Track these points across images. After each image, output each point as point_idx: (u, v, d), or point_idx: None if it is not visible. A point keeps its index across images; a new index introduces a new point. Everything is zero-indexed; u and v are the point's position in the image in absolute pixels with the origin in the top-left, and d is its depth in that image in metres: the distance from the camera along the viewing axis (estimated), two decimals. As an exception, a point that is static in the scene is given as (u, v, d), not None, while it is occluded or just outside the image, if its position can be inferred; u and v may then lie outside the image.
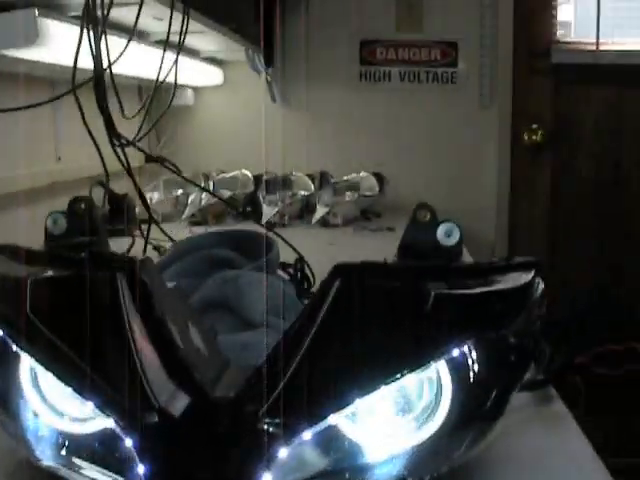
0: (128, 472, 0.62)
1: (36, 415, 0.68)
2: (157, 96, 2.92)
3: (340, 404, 0.61)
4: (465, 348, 0.65)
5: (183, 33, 1.63)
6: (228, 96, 3.01)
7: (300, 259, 1.45)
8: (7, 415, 0.69)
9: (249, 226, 1.90)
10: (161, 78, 1.63)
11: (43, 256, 0.70)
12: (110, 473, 0.63)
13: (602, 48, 2.83)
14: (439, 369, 0.65)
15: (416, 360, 0.63)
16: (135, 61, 1.65)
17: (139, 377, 0.62)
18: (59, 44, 1.39)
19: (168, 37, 1.57)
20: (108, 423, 0.63)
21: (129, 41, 1.39)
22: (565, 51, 2.86)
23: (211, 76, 2.88)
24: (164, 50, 1.59)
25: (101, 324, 0.64)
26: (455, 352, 0.64)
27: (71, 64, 1.23)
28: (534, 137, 2.90)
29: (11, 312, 0.67)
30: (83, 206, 0.73)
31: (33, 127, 1.80)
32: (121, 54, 1.30)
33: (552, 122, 2.91)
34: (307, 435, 0.60)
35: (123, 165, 1.23)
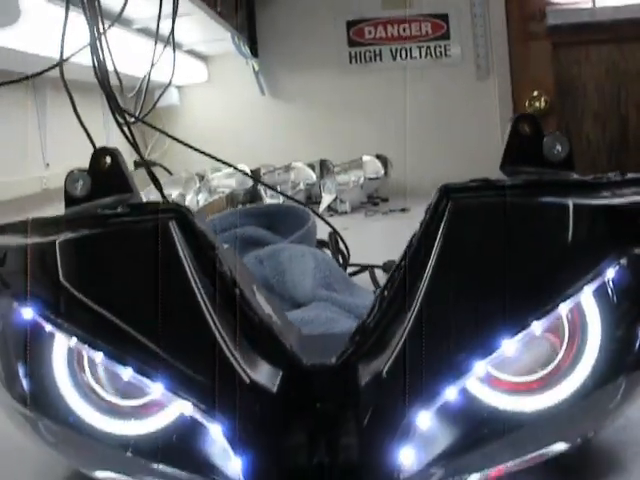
0: (215, 471, 0.48)
1: (79, 415, 0.53)
2: (139, 97, 2.79)
3: (486, 350, 0.47)
4: (616, 271, 0.51)
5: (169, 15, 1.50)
6: (214, 93, 2.86)
7: (334, 232, 1.31)
8: (44, 420, 0.54)
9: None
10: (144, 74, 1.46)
11: (74, 218, 0.56)
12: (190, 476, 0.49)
13: (598, 5, 2.72)
14: (585, 302, 0.51)
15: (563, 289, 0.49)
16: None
17: (220, 347, 0.48)
18: (42, 24, 1.25)
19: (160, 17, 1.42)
20: (182, 409, 0.49)
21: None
22: (561, 11, 2.74)
23: (195, 72, 2.74)
24: (157, 33, 1.45)
25: (158, 286, 0.50)
26: (608, 274, 0.50)
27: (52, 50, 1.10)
28: (537, 104, 2.78)
29: (40, 285, 0.53)
30: (109, 160, 0.59)
31: (19, 133, 1.65)
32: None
33: (553, 86, 2.79)
34: (450, 393, 0.46)
35: (129, 141, 1.09)
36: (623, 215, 0.54)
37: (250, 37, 2.69)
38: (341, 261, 1.29)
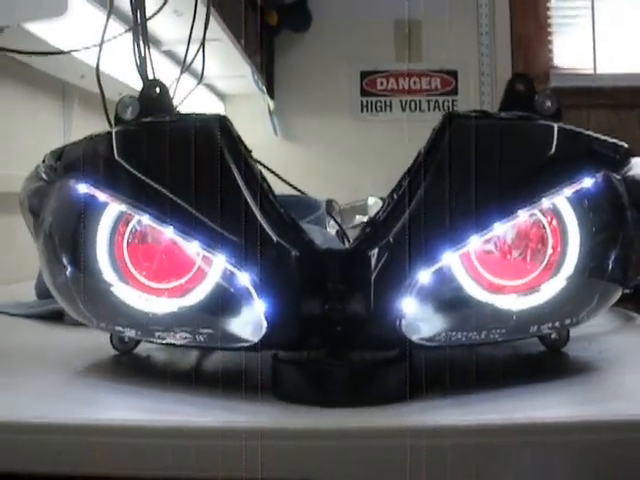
0: (241, 318, 0.55)
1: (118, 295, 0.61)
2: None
3: (480, 228, 0.55)
4: (592, 182, 0.59)
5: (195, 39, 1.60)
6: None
7: (340, 228, 1.39)
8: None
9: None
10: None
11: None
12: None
13: (599, 72, 2.86)
14: (562, 208, 0.59)
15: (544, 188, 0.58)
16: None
17: (251, 212, 0.56)
18: (86, 21, 1.35)
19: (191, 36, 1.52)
20: (217, 265, 0.56)
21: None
22: (563, 75, 2.88)
23: (213, 109, 2.86)
24: (187, 48, 1.54)
25: (198, 165, 0.58)
26: (586, 183, 0.59)
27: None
28: (537, 162, 2.89)
29: (95, 165, 0.61)
30: (158, 91, 0.67)
31: (43, 132, 1.74)
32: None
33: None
34: (448, 258, 0.54)
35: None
36: (602, 144, 0.63)
37: (268, 78, 2.82)
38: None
